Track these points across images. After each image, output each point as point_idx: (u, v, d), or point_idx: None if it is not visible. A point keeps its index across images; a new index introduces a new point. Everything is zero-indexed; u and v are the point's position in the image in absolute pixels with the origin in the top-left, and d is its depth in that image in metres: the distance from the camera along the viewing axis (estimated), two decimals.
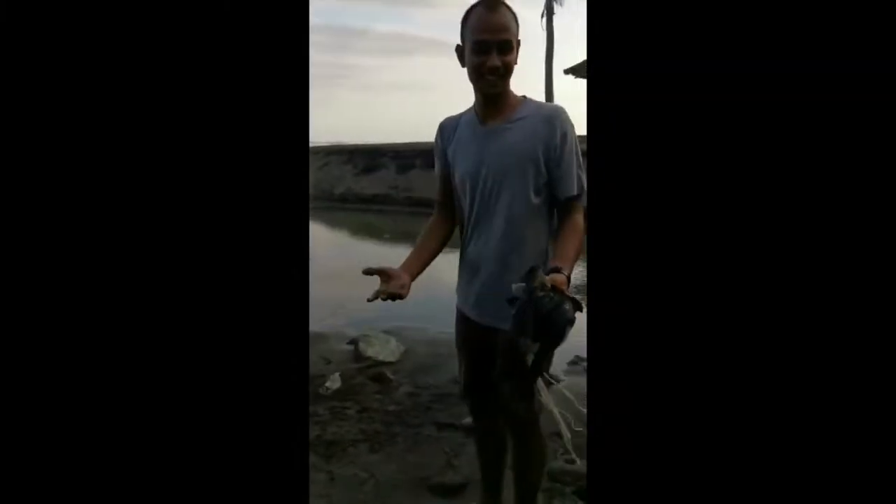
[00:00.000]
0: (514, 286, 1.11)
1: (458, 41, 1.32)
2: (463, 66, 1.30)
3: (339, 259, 6.44)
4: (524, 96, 1.37)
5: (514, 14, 1.28)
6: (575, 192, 1.29)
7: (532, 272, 1.12)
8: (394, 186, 13.23)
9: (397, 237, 8.95)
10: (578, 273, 1.42)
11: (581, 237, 1.28)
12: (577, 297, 1.09)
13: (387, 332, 3.81)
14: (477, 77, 1.28)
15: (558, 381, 1.10)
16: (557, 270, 1.17)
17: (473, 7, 1.27)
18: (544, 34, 19.44)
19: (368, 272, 1.26)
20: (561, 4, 18.32)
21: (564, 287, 1.12)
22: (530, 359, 1.07)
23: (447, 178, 1.47)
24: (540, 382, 1.15)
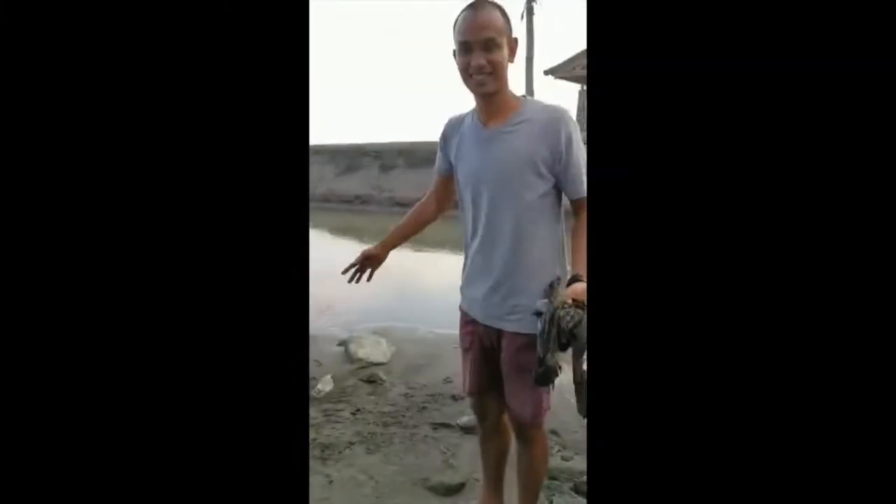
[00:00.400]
0: (538, 303, 1.16)
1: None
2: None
3: (323, 261, 6.40)
4: (524, 96, 1.38)
5: (501, 12, 1.28)
6: (584, 194, 1.31)
7: (552, 288, 1.17)
8: (376, 186, 13.18)
9: (381, 237, 8.93)
10: None
11: None
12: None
13: (376, 332, 3.80)
14: (465, 78, 1.29)
15: None
16: (577, 279, 1.19)
17: (462, 10, 1.29)
18: (524, 35, 19.56)
19: (346, 272, 1.56)
20: (539, 4, 18.42)
21: (585, 297, 1.15)
22: (574, 369, 1.14)
23: (445, 172, 1.49)
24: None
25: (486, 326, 1.41)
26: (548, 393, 1.40)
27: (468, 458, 2.08)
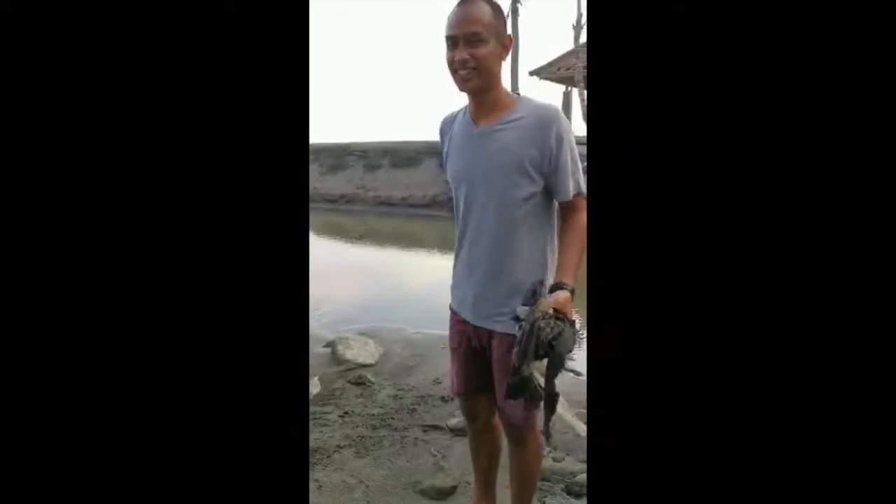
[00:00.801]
0: (518, 308, 1.12)
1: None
2: None
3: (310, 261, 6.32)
4: (518, 94, 1.36)
5: (492, 7, 1.25)
6: (571, 196, 1.29)
7: (534, 294, 1.13)
8: (361, 186, 13.11)
9: (367, 236, 8.87)
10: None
11: (582, 237, 1.29)
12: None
13: (363, 333, 3.77)
14: (451, 73, 1.26)
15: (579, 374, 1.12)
16: (561, 286, 1.17)
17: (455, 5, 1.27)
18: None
19: None
20: (523, 5, 18.47)
21: (567, 307, 1.13)
22: (546, 380, 1.09)
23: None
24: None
25: (475, 326, 1.39)
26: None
27: (459, 460, 2.06)
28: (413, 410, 2.54)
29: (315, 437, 2.26)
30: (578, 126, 10.92)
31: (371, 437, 2.26)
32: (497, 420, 1.51)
